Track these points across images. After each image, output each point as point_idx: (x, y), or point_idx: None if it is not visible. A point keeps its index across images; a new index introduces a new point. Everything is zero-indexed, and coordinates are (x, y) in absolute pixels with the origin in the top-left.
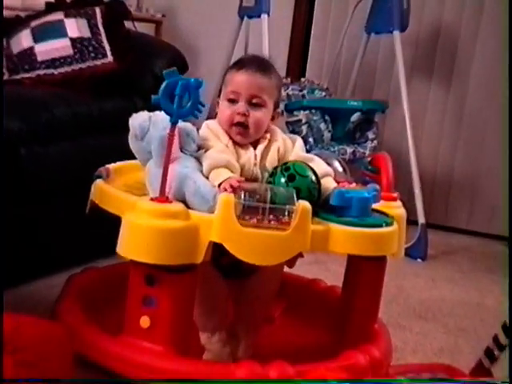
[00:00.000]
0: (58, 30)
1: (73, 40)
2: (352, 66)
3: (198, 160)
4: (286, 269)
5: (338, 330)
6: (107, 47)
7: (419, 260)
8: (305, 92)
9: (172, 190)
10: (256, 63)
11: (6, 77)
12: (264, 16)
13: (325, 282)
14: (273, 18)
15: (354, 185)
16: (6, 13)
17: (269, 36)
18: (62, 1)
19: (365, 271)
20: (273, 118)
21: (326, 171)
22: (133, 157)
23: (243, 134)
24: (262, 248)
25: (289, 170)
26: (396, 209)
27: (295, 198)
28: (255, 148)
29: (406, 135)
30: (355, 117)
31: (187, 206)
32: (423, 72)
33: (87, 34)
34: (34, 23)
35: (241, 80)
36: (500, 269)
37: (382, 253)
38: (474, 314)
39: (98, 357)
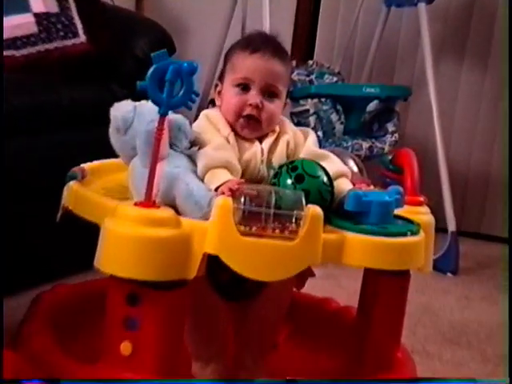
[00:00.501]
0: (19, 4)
1: (38, 16)
2: (369, 45)
3: (191, 158)
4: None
5: (352, 359)
6: (79, 25)
7: (449, 274)
8: (313, 77)
9: (160, 194)
10: (272, 46)
11: None
12: None
13: (337, 302)
14: None
15: (372, 187)
16: None
17: (270, 10)
18: None
19: (385, 288)
20: (284, 106)
21: (341, 171)
22: (113, 154)
23: (253, 128)
24: (264, 260)
25: (296, 170)
26: (422, 215)
27: (304, 202)
28: (261, 142)
29: (432, 127)
30: (372, 106)
31: (177, 212)
32: (454, 52)
33: (55, 8)
34: None
35: (256, 65)
36: None
37: (406, 266)
38: None
39: None
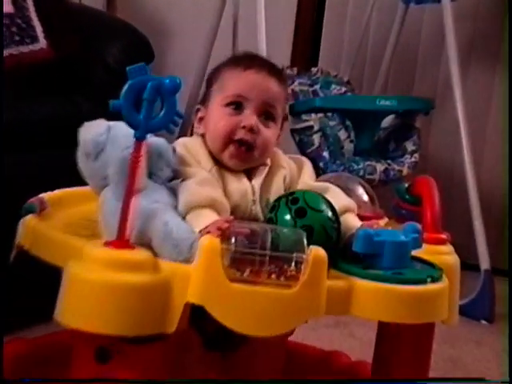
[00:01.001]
0: None
1: None
2: (383, 50)
3: (173, 192)
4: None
5: None
6: (38, 27)
7: (483, 321)
8: (317, 87)
9: (135, 233)
10: (268, 64)
11: None
12: None
13: (348, 356)
14: None
15: (384, 221)
16: None
17: (266, 7)
18: None
19: (404, 339)
20: (278, 136)
21: (346, 205)
22: (80, 181)
23: (244, 157)
24: (258, 312)
25: (297, 203)
26: (445, 255)
27: (305, 243)
28: (250, 178)
29: (460, 146)
30: (388, 121)
31: (155, 254)
32: (485, 57)
33: (9, 8)
34: None
35: (251, 81)
36: None
37: (426, 319)
38: None
39: None
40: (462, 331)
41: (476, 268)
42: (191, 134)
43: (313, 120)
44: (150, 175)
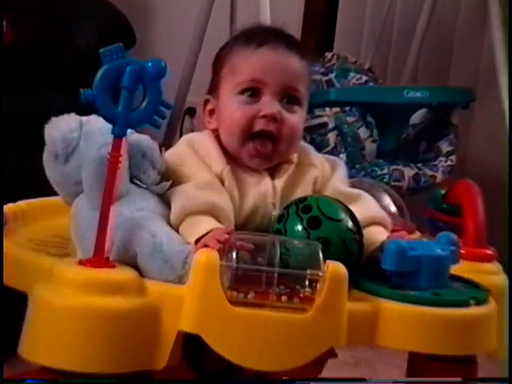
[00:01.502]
0: None
1: None
2: (412, 30)
3: (162, 198)
4: None
5: None
6: None
7: None
8: (332, 76)
9: (115, 248)
10: (284, 37)
11: None
12: None
13: None
14: None
15: (416, 235)
16: None
17: None
18: None
19: (441, 375)
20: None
21: (375, 216)
22: (48, 189)
23: (267, 154)
24: (266, 342)
25: (309, 211)
26: (492, 275)
27: (321, 257)
28: (273, 177)
29: (505, 147)
30: (418, 117)
31: (140, 273)
32: None
33: None
34: None
35: (267, 61)
36: None
37: (469, 351)
38: None
39: None
40: None
41: None
42: (180, 132)
43: (327, 116)
44: (132, 179)
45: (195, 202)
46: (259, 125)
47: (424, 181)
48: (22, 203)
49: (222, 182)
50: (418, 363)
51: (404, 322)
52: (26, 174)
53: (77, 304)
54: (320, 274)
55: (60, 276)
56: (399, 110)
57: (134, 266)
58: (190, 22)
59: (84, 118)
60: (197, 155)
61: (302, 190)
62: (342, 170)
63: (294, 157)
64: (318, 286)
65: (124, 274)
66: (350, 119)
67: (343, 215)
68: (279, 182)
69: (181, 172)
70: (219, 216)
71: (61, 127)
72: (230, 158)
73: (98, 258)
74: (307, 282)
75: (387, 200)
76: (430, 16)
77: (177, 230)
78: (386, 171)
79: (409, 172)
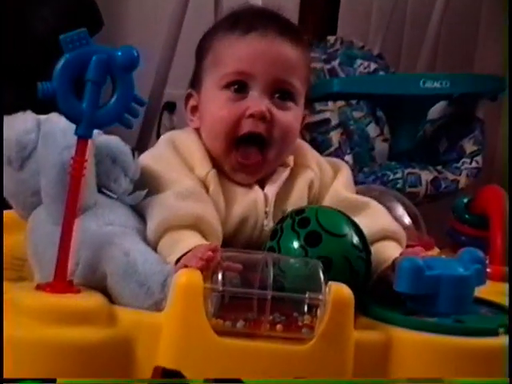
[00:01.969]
0: None
1: None
2: (429, 9)
3: (135, 210)
4: None
5: None
6: None
7: None
8: (335, 63)
9: (81, 269)
10: (275, 21)
11: None
12: None
13: None
14: None
15: (435, 251)
16: None
17: None
18: None
19: None
20: (301, 123)
21: (387, 228)
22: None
23: (254, 166)
24: (259, 378)
25: (307, 225)
26: None
27: (322, 279)
28: (263, 184)
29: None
30: (438, 111)
31: (110, 299)
32: None
33: None
34: None
35: (254, 50)
36: None
37: None
38: None
39: None
40: None
41: None
42: (158, 131)
43: (330, 111)
44: (101, 188)
45: (176, 214)
46: (246, 126)
47: (445, 186)
48: None
49: (206, 188)
50: None
51: (421, 354)
52: None
53: (35, 336)
54: (321, 297)
55: (15, 304)
56: (415, 103)
57: (103, 290)
58: (168, 2)
59: (42, 117)
60: (178, 156)
61: (297, 196)
62: (346, 174)
63: (290, 159)
64: (319, 311)
65: (91, 300)
66: (356, 114)
67: (347, 229)
68: (272, 188)
69: (159, 178)
70: (205, 230)
71: (15, 128)
72: (213, 159)
73: (60, 282)
74: (306, 308)
75: (400, 210)
76: None
77: (155, 248)
78: (399, 175)
79: (427, 176)
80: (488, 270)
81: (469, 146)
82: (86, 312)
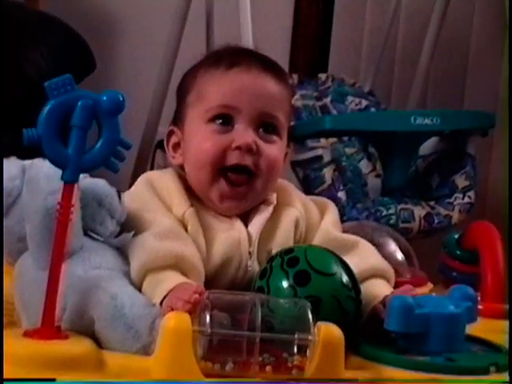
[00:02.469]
0: None
1: None
2: (419, 46)
3: (122, 251)
4: None
5: None
6: None
7: None
8: (327, 101)
9: (68, 314)
10: (258, 58)
11: None
12: None
13: None
14: None
15: (427, 287)
16: None
17: None
18: None
19: None
20: (284, 157)
21: (376, 267)
22: None
23: (242, 193)
24: None
25: (296, 264)
26: None
27: (311, 319)
28: (246, 221)
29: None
30: (429, 147)
31: (98, 344)
32: None
33: None
34: None
35: (240, 84)
36: None
37: None
38: None
39: None
40: None
41: None
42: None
43: (322, 147)
44: (87, 231)
45: (156, 255)
46: (233, 158)
47: (438, 221)
48: None
49: (185, 227)
50: None
51: None
52: None
53: None
54: (310, 338)
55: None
56: (406, 140)
57: (92, 334)
58: (160, 44)
59: (27, 163)
60: (157, 196)
61: (282, 236)
62: (333, 213)
63: (273, 197)
64: (309, 352)
65: (79, 345)
66: (349, 151)
67: (336, 268)
68: (255, 226)
69: (140, 218)
70: (186, 269)
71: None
72: (194, 197)
73: (48, 328)
74: (296, 348)
75: (393, 246)
76: (440, 30)
77: (140, 290)
78: (392, 211)
79: (420, 211)
80: (479, 306)
81: (461, 182)
82: (74, 358)
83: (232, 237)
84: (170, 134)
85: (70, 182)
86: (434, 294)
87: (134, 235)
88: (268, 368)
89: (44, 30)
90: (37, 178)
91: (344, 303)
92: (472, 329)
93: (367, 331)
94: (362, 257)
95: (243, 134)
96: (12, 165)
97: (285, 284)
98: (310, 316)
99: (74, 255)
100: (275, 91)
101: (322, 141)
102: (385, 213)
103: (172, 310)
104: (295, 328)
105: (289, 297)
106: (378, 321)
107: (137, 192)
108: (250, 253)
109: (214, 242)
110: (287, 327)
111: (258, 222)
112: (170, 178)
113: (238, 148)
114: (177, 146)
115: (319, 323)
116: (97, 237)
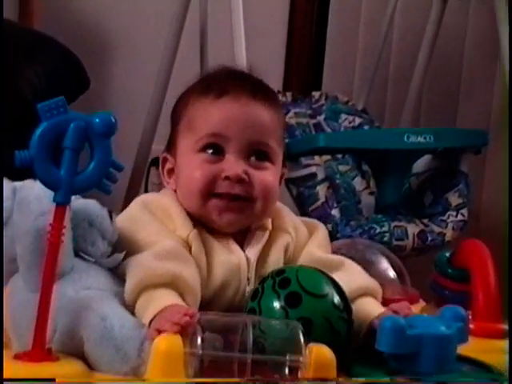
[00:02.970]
0: None
1: None
2: (412, 64)
3: (114, 272)
4: None
5: None
6: None
7: None
8: (321, 118)
9: (58, 335)
10: (248, 84)
11: None
12: None
13: None
14: None
15: (419, 305)
16: None
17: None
18: None
19: None
20: (280, 180)
21: (365, 286)
22: None
23: (239, 209)
24: None
25: (288, 285)
26: (507, 355)
27: (302, 340)
28: (243, 245)
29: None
30: (422, 164)
31: (88, 365)
32: None
33: None
34: None
35: (228, 113)
36: None
37: None
38: None
39: None
40: None
41: None
42: (146, 187)
43: (316, 165)
44: (78, 252)
45: (153, 274)
46: (222, 187)
47: (431, 239)
48: None
49: (189, 247)
50: None
51: None
52: None
53: None
54: (301, 359)
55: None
56: (400, 157)
57: (82, 355)
58: (155, 62)
59: (18, 184)
60: (155, 219)
61: (275, 260)
62: (321, 234)
63: (269, 223)
64: (300, 373)
65: (69, 367)
66: (342, 168)
67: (328, 289)
68: (253, 251)
69: (136, 240)
70: (183, 289)
71: None
72: (196, 220)
73: (38, 350)
74: (287, 370)
75: (385, 264)
76: (433, 49)
77: (133, 309)
78: (386, 228)
79: (413, 229)
80: (470, 326)
81: (454, 199)
82: (64, 379)
83: (231, 261)
84: (164, 160)
85: (61, 203)
86: (425, 314)
87: (127, 255)
88: None
89: (38, 48)
90: (27, 199)
91: (335, 324)
92: (463, 348)
93: (358, 352)
94: (349, 276)
95: (233, 164)
96: (3, 186)
97: (276, 305)
98: (302, 337)
99: (65, 276)
100: (265, 118)
101: (316, 158)
102: (378, 230)
103: (159, 332)
104: (286, 349)
105: (280, 317)
106: (370, 342)
107: (132, 215)
108: (248, 278)
109: (214, 265)
110: (278, 349)
111: (255, 246)
112: (171, 201)
113: (228, 178)
114: (171, 171)
115: (311, 344)
116: (88, 257)
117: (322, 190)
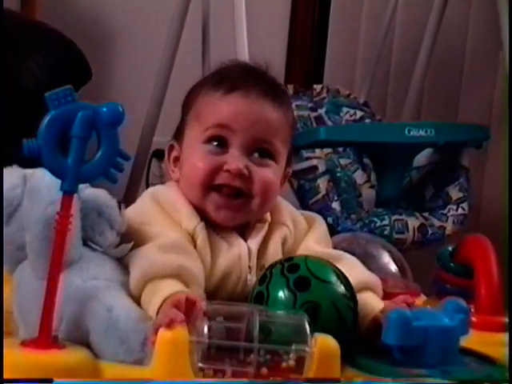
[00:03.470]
0: None
1: None
2: (414, 58)
3: (122, 263)
4: None
5: None
6: None
7: None
8: (322, 112)
9: (65, 324)
10: (259, 81)
11: None
12: None
13: None
14: None
15: (420, 299)
16: None
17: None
18: None
19: None
20: (281, 182)
21: (365, 281)
22: None
23: (236, 206)
24: None
25: (297, 270)
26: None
27: (308, 329)
28: (244, 237)
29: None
30: (424, 158)
31: (95, 354)
32: None
33: None
34: None
35: (236, 108)
36: None
37: None
38: None
39: None
40: None
41: None
42: (147, 179)
43: (317, 158)
44: (86, 241)
45: (158, 265)
46: (222, 178)
47: (432, 233)
48: None
49: (194, 241)
50: None
51: None
52: None
53: None
54: (307, 349)
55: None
56: (401, 151)
57: (88, 344)
58: (157, 53)
59: (28, 172)
60: (163, 211)
61: (273, 252)
62: (319, 228)
63: (268, 215)
64: (306, 363)
65: (75, 355)
66: (343, 162)
67: (335, 278)
68: (254, 242)
69: (144, 231)
70: (187, 281)
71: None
72: (200, 213)
73: (45, 338)
74: (292, 358)
75: (386, 258)
76: (434, 42)
77: (138, 299)
78: (386, 222)
79: (414, 222)
80: (473, 319)
81: (454, 193)
82: (70, 368)
83: (233, 251)
84: (171, 148)
85: (68, 192)
86: (428, 307)
87: (134, 246)
88: (263, 369)
89: (40, 39)
90: (38, 187)
91: (343, 312)
92: (465, 341)
93: (363, 343)
94: (349, 270)
95: (236, 158)
96: (13, 174)
97: (285, 289)
98: (307, 327)
99: (73, 265)
100: (272, 117)
101: (317, 151)
102: (379, 224)
103: (168, 325)
104: (292, 339)
105: (288, 302)
106: (375, 333)
107: (141, 207)
108: (249, 267)
109: (218, 257)
110: (284, 338)
111: (255, 238)
112: (177, 194)
113: (229, 171)
114: (177, 160)
115: (316, 334)
116: (96, 247)
117: (322, 183)
